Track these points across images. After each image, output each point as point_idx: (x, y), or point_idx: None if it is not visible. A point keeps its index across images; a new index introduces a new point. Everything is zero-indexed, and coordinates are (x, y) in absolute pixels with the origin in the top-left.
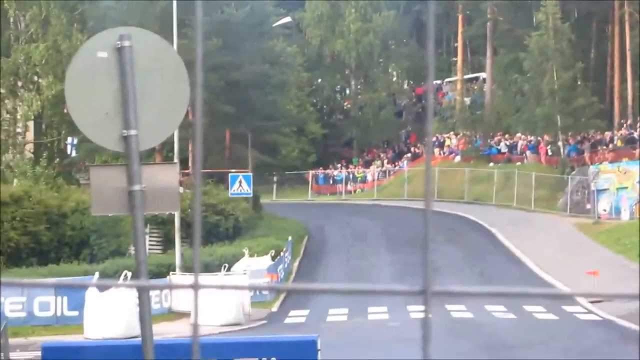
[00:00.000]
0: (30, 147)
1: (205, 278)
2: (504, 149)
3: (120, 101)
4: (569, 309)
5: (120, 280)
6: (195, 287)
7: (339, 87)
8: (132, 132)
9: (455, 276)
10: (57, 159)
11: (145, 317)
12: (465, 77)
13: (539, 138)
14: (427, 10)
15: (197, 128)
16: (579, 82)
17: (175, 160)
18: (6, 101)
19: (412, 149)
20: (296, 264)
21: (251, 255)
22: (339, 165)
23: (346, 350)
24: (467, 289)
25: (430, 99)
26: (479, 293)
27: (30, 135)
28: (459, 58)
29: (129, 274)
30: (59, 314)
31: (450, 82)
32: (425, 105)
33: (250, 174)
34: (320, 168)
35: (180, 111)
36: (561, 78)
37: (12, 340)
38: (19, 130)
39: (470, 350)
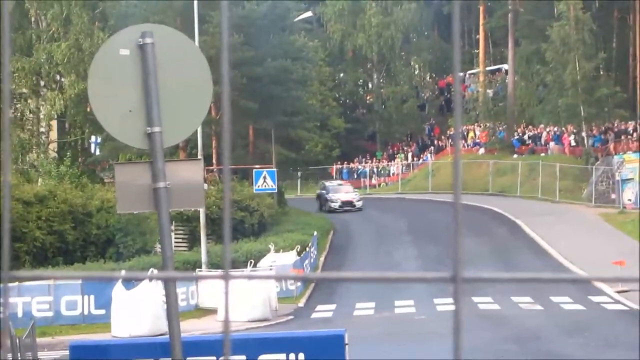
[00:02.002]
0: (54, 146)
1: (231, 273)
2: (527, 141)
3: (143, 98)
4: (595, 299)
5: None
6: (226, 277)
7: (361, 81)
8: (156, 129)
9: (481, 268)
10: (81, 158)
11: (173, 310)
12: (488, 69)
13: (563, 129)
14: (449, 4)
15: (225, 126)
16: (601, 72)
17: (200, 156)
18: (29, 100)
19: (436, 141)
20: (322, 258)
21: (277, 251)
22: (363, 159)
23: (373, 345)
24: (498, 275)
25: (457, 92)
26: (509, 279)
27: (53, 135)
28: (481, 50)
29: (155, 271)
30: (86, 312)
31: (472, 74)
32: (449, 97)
33: (275, 169)
34: (344, 162)
35: (203, 108)
36: (583, 68)
37: (39, 340)
38: (42, 129)
39: (497, 341)
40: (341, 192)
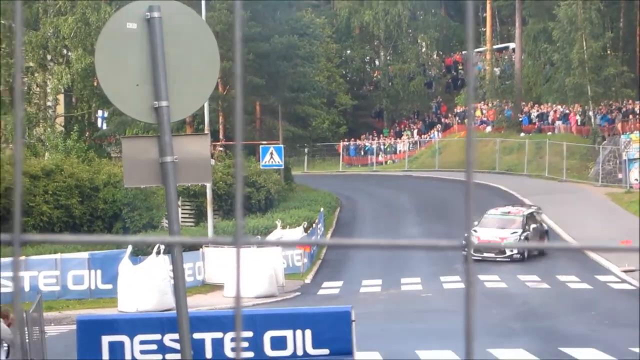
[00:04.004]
0: (60, 120)
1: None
2: (534, 119)
3: (150, 73)
4: (602, 278)
5: (154, 253)
6: (237, 243)
7: (368, 58)
8: (163, 103)
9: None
10: (88, 132)
11: (179, 278)
12: (495, 47)
13: (570, 108)
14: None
15: (238, 101)
16: (608, 52)
17: (206, 131)
18: (36, 74)
19: (443, 119)
20: (329, 235)
21: (284, 227)
22: (370, 136)
23: (380, 321)
24: (505, 243)
25: (471, 72)
26: (516, 246)
27: (60, 109)
28: (488, 28)
29: (162, 246)
30: (92, 287)
31: (479, 52)
32: (456, 75)
33: (281, 145)
34: (351, 139)
35: (210, 83)
36: (591, 47)
37: (46, 314)
38: (49, 103)
39: (504, 320)
40: (492, 225)
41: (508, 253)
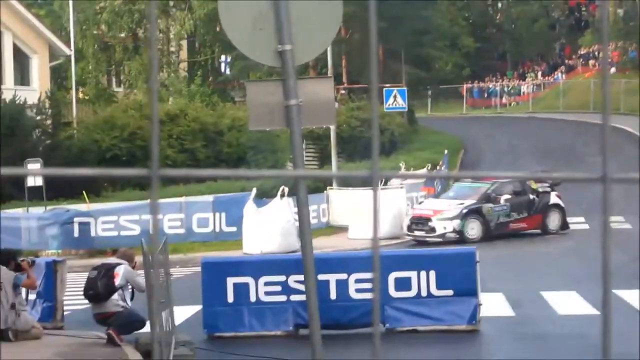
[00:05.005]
0: (184, 65)
1: (362, 192)
2: None
3: (273, 17)
4: None
5: (278, 195)
6: (375, 175)
7: (490, 0)
8: (287, 47)
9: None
10: (211, 77)
11: (304, 216)
12: None
13: None
14: None
15: (372, 51)
16: None
17: (330, 74)
18: (159, 20)
19: (567, 61)
20: None
21: (407, 169)
22: (494, 78)
23: (504, 263)
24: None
25: (604, 10)
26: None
27: (184, 54)
28: None
29: (286, 189)
30: (217, 230)
31: None
32: (579, 17)
33: (405, 88)
34: (475, 81)
35: (334, 26)
36: None
37: (171, 257)
38: (172, 49)
39: (627, 261)
40: (450, 197)
41: (439, 232)
